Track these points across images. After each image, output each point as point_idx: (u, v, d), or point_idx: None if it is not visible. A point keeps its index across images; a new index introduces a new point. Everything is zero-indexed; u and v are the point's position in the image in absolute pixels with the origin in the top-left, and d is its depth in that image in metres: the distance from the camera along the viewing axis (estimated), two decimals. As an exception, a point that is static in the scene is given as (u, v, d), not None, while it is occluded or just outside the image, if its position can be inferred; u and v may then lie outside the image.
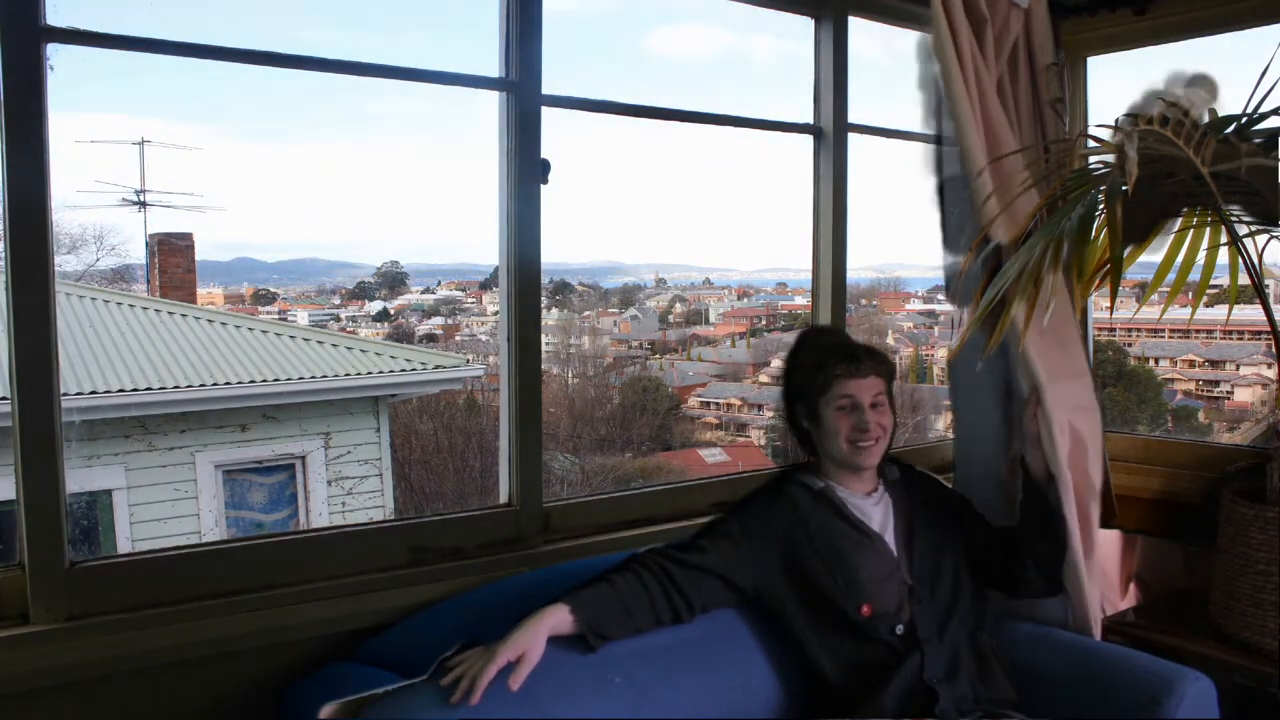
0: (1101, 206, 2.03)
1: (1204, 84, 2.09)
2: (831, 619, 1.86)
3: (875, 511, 1.97)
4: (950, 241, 2.57)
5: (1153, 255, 2.28)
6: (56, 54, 1.60)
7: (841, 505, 1.95)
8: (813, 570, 1.87)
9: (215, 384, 6.95)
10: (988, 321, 2.33)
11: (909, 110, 2.60)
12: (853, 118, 2.63)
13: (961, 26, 2.44)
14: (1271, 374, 11.02)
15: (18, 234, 1.55)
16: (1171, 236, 2.25)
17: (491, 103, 2.06)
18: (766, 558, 1.88)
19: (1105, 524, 2.79)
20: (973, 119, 2.42)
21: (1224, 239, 2.18)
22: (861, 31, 2.62)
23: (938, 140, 2.54)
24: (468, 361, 9.50)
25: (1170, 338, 14.04)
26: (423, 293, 17.09)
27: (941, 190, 2.57)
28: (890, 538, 1.94)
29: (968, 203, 2.48)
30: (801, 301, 17.02)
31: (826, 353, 1.97)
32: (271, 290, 15.94)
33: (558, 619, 1.65)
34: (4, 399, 1.58)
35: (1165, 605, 2.71)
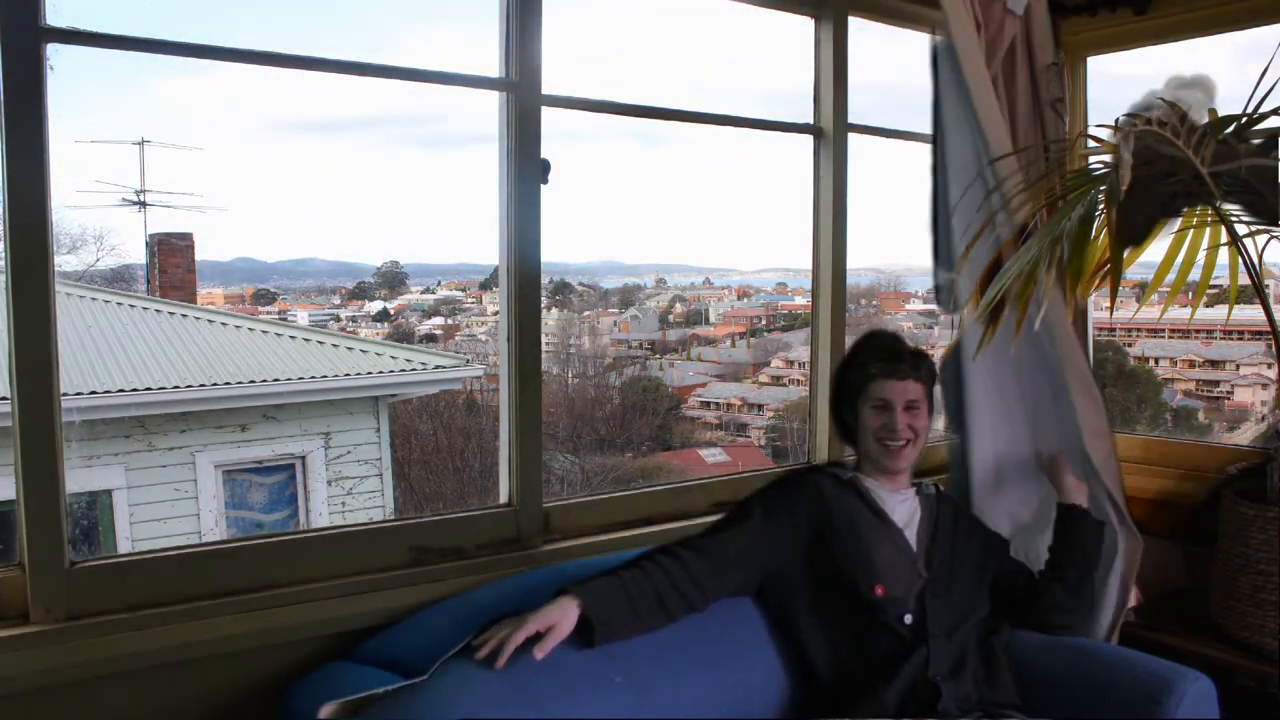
0: (1101, 206, 2.03)
1: (1203, 85, 2.09)
2: (843, 602, 1.88)
3: (901, 507, 2.01)
4: (941, 257, 2.56)
5: (1153, 255, 2.29)
6: (56, 54, 1.60)
7: (866, 494, 2.00)
8: (830, 550, 1.91)
9: (215, 384, 6.95)
10: (985, 321, 2.34)
11: (908, 110, 2.60)
12: (852, 118, 2.62)
13: (972, 20, 2.44)
14: (1271, 374, 11.02)
15: (18, 234, 1.55)
16: (1172, 236, 2.26)
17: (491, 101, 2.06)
18: (788, 537, 1.92)
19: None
20: (997, 103, 2.42)
21: (1224, 239, 2.18)
22: (861, 31, 2.61)
23: (934, 141, 2.54)
24: (467, 361, 9.49)
25: (1170, 338, 14.03)
26: (423, 293, 17.08)
27: (935, 202, 2.56)
28: (911, 534, 1.98)
29: (972, 205, 2.48)
30: (802, 301, 17.00)
31: (871, 353, 2.05)
32: (271, 290, 15.93)
33: (570, 608, 1.65)
34: (4, 399, 1.58)
35: (1165, 605, 2.70)
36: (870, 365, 2.02)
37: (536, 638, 1.59)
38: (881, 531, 1.96)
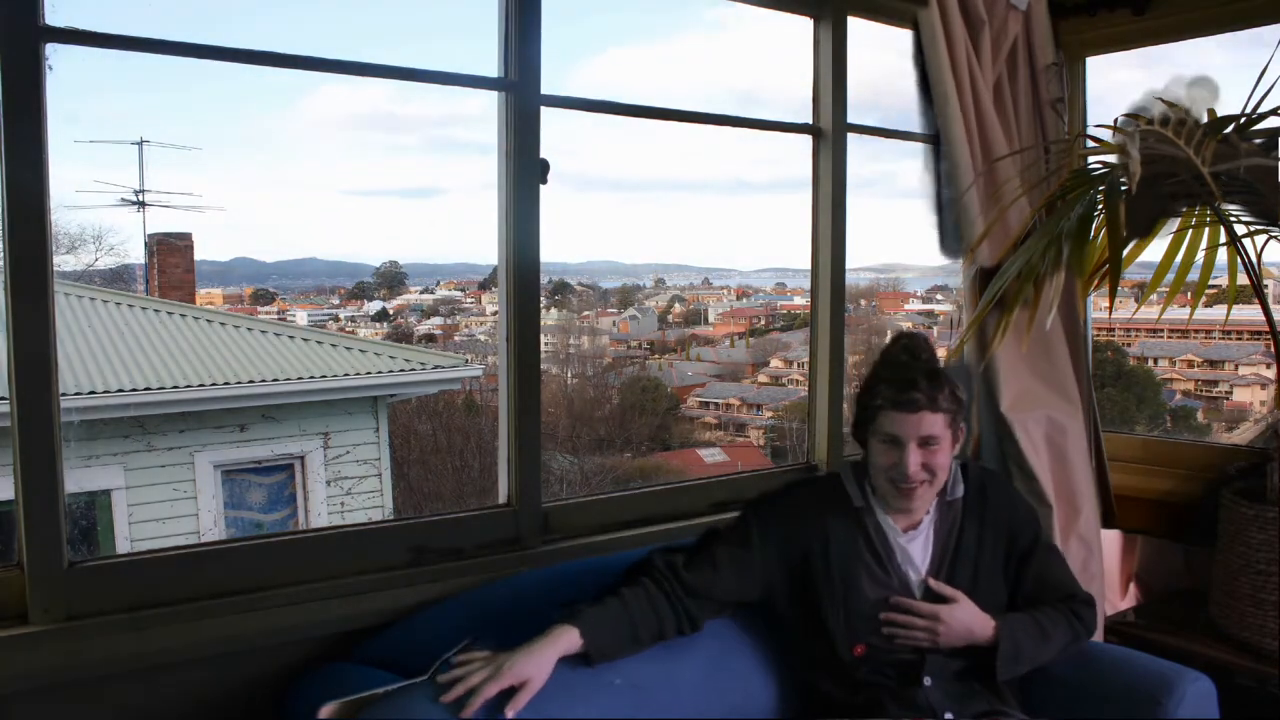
0: (1100, 206, 2.03)
1: (1204, 85, 2.09)
2: (823, 645, 1.79)
3: (911, 547, 1.82)
4: (947, 243, 2.59)
5: (1152, 255, 2.29)
6: (55, 54, 1.59)
7: (872, 532, 1.81)
8: (819, 594, 1.78)
9: (214, 384, 6.95)
10: (990, 321, 2.35)
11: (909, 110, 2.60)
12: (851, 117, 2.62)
13: (957, 32, 2.46)
14: (1270, 374, 11.02)
15: (17, 234, 1.55)
16: (1171, 236, 2.26)
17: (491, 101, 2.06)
18: (780, 569, 1.80)
19: (1105, 524, 2.80)
20: (963, 132, 2.44)
21: (1223, 239, 2.18)
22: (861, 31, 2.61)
23: (935, 140, 2.55)
24: (466, 362, 9.49)
25: (1169, 338, 14.05)
26: (422, 293, 17.10)
27: (939, 191, 2.58)
28: (917, 580, 1.81)
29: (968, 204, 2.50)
30: (801, 301, 17.02)
31: (882, 377, 1.77)
32: (270, 290, 15.93)
33: (568, 641, 1.60)
34: (3, 399, 1.57)
35: (1165, 605, 2.71)
36: (879, 394, 1.74)
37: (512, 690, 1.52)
38: (881, 582, 1.78)
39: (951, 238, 2.57)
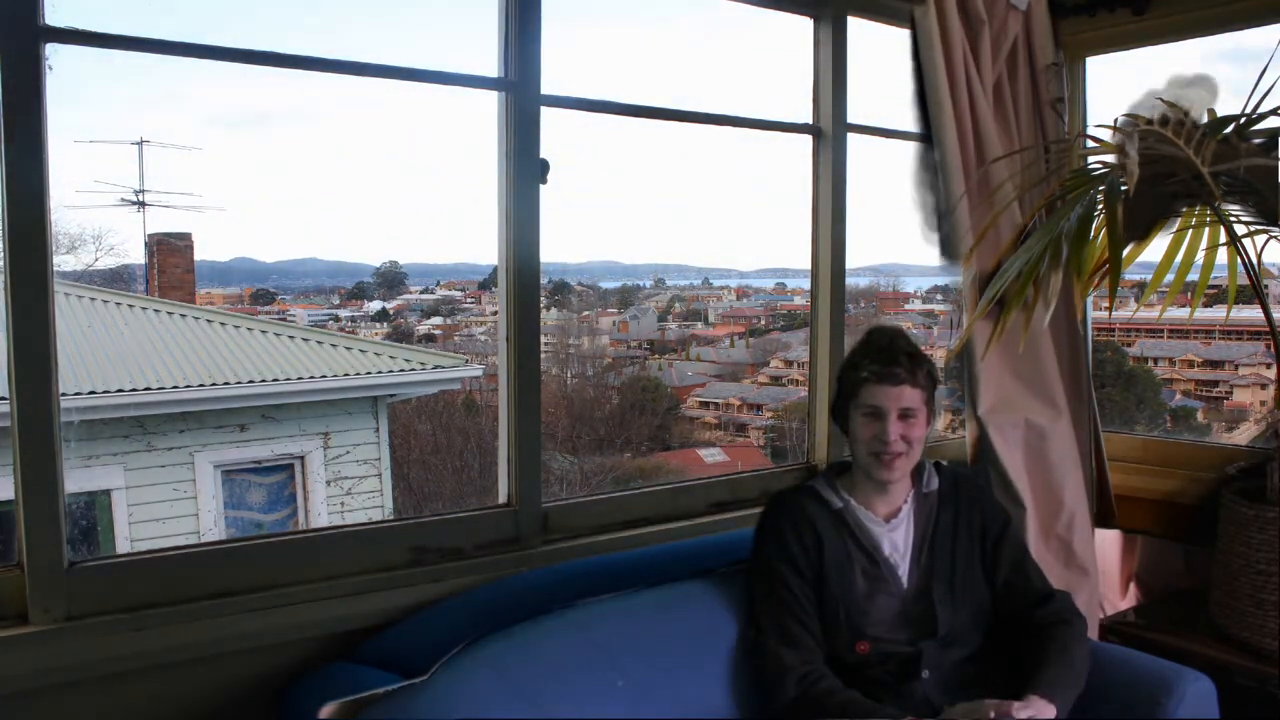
0: (1100, 206, 2.04)
1: (1203, 84, 2.09)
2: (827, 644, 1.83)
3: (894, 538, 1.90)
4: (948, 249, 2.58)
5: (1152, 255, 2.29)
6: (55, 54, 1.59)
7: (857, 529, 1.89)
8: (820, 598, 1.84)
9: (214, 384, 6.95)
10: (989, 321, 2.35)
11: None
12: (851, 117, 2.62)
13: (954, 32, 2.46)
14: (1270, 374, 11.03)
15: (17, 234, 1.55)
16: (1171, 236, 2.26)
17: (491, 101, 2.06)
18: (802, 564, 1.86)
19: (1105, 524, 2.80)
20: (955, 134, 2.44)
21: (1223, 239, 2.18)
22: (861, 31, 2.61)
23: (929, 141, 2.55)
24: (466, 362, 9.49)
25: (1169, 338, 14.04)
26: (421, 293, 17.08)
27: (938, 199, 2.58)
28: (905, 568, 1.89)
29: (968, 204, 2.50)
30: (801, 301, 17.01)
31: (866, 354, 1.90)
32: (270, 290, 15.92)
33: None
34: (3, 399, 1.58)
35: (1165, 605, 2.71)
36: (863, 368, 1.88)
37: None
38: (874, 578, 1.86)
39: (948, 240, 2.57)
